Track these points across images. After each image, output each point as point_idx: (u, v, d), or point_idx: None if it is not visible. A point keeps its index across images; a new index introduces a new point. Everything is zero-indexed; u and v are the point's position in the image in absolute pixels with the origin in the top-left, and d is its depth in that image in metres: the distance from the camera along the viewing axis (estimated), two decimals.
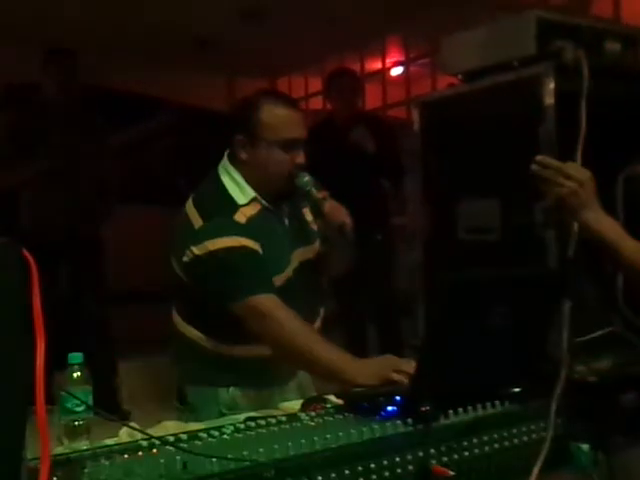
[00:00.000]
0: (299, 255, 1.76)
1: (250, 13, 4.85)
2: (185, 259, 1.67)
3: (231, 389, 1.72)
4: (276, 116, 1.68)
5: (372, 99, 6.01)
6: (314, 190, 1.69)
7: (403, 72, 6.12)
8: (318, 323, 1.83)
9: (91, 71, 3.65)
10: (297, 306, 1.70)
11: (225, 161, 1.76)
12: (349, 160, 3.48)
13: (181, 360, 1.82)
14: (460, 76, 2.05)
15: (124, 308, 4.05)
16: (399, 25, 5.42)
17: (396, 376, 1.45)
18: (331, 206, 1.70)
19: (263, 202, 1.72)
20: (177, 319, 1.79)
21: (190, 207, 1.71)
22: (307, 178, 1.70)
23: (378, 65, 6.21)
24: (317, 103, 6.44)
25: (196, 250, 1.65)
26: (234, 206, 1.69)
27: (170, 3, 4.54)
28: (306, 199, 1.73)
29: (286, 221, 1.77)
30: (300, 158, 1.70)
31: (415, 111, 2.13)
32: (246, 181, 1.71)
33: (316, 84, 6.52)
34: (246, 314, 1.61)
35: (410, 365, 1.46)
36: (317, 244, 1.83)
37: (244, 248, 1.63)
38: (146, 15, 4.70)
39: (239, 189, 1.71)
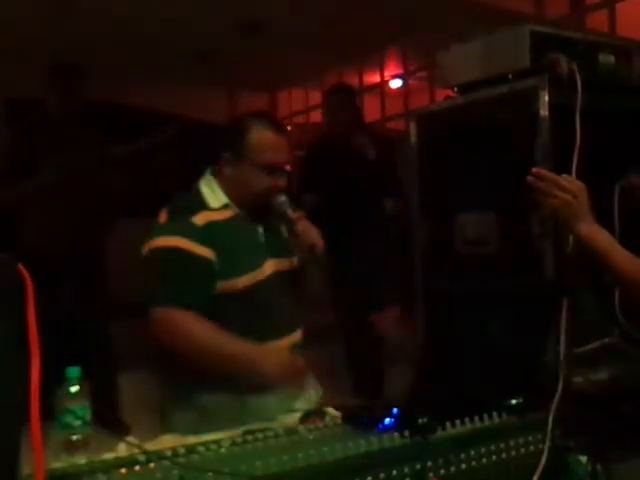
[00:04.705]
0: (272, 265, 1.81)
1: (250, 27, 4.89)
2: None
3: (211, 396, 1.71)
4: (263, 140, 1.77)
5: (371, 112, 6.04)
6: (289, 211, 1.78)
7: (402, 85, 6.16)
8: (297, 335, 1.84)
9: (92, 86, 3.66)
10: (271, 313, 1.76)
11: (207, 174, 1.84)
12: (348, 175, 3.50)
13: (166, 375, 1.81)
14: (456, 88, 2.07)
15: (125, 322, 4.05)
16: (398, 39, 5.46)
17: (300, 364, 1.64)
18: (304, 227, 1.77)
19: (236, 209, 1.79)
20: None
21: (164, 208, 1.80)
22: (283, 199, 1.79)
23: (377, 78, 6.25)
24: (317, 116, 6.49)
25: (145, 247, 1.75)
26: (201, 207, 1.76)
27: (170, 17, 4.58)
28: (281, 219, 1.81)
29: (260, 230, 1.83)
30: (281, 182, 1.79)
31: (411, 123, 2.13)
32: (224, 191, 1.79)
33: (316, 97, 6.57)
34: (156, 323, 1.68)
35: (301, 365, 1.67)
36: (294, 259, 1.87)
37: (184, 251, 1.69)
38: (146, 30, 4.74)
39: (214, 195, 1.79)
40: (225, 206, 1.78)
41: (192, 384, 1.70)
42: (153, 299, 1.70)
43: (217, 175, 1.81)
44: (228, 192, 1.79)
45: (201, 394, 1.70)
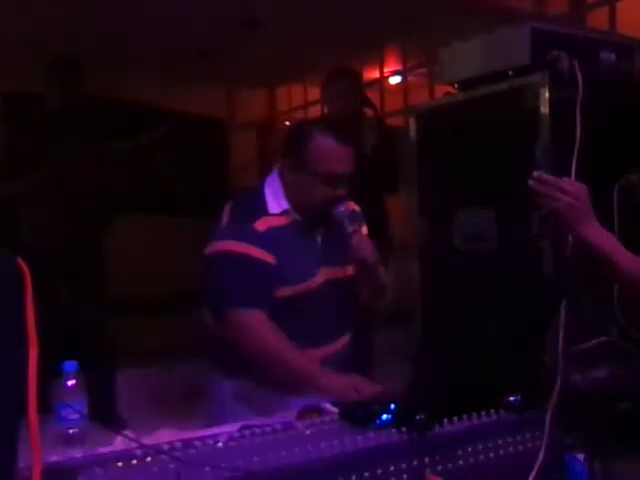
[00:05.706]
0: (325, 273, 1.80)
1: (249, 23, 4.88)
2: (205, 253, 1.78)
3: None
4: (323, 149, 1.72)
5: None
6: (347, 222, 1.76)
7: (401, 81, 6.16)
8: (338, 345, 1.84)
9: (91, 82, 3.65)
10: (318, 320, 1.76)
11: (274, 173, 1.83)
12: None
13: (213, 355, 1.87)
14: (456, 85, 2.06)
15: (123, 318, 4.05)
16: (397, 35, 5.45)
17: (356, 397, 1.56)
18: (358, 240, 1.75)
19: (296, 216, 1.78)
20: (206, 316, 1.84)
21: (228, 205, 1.80)
22: (342, 209, 1.77)
23: (376, 74, 6.25)
24: (316, 112, 6.47)
25: (208, 248, 1.75)
26: (262, 213, 1.75)
27: (170, 13, 4.57)
28: (339, 229, 1.78)
29: (318, 238, 1.82)
30: (340, 192, 1.76)
31: (411, 120, 2.13)
32: (286, 196, 1.78)
33: (315, 93, 6.55)
34: (230, 325, 1.71)
35: (371, 389, 1.56)
36: (349, 268, 1.85)
37: (247, 256, 1.70)
38: (146, 25, 4.73)
39: (275, 199, 1.77)
40: (285, 212, 1.77)
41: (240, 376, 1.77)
42: (224, 301, 1.72)
43: (282, 177, 1.80)
44: (288, 197, 1.77)
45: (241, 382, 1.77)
